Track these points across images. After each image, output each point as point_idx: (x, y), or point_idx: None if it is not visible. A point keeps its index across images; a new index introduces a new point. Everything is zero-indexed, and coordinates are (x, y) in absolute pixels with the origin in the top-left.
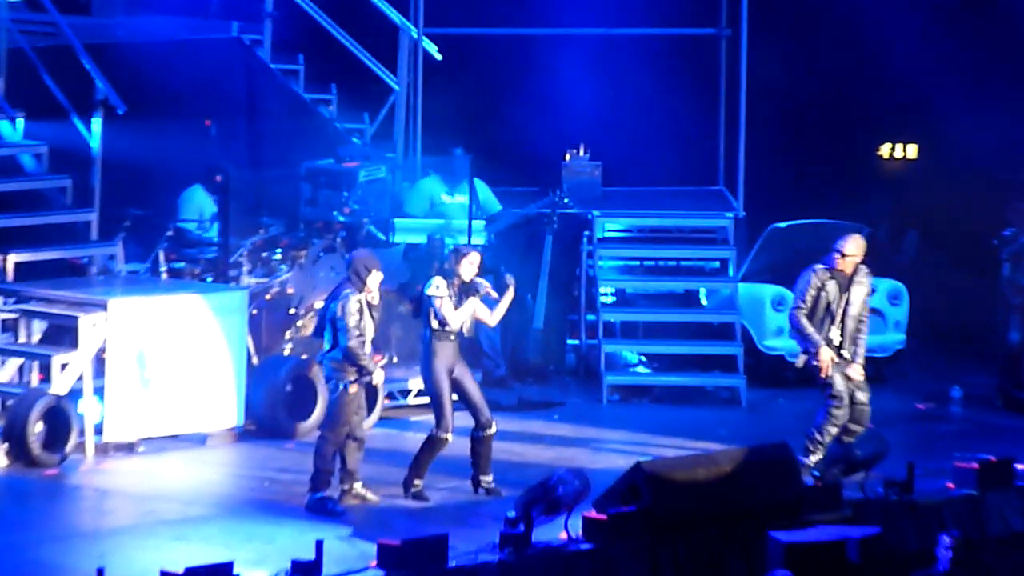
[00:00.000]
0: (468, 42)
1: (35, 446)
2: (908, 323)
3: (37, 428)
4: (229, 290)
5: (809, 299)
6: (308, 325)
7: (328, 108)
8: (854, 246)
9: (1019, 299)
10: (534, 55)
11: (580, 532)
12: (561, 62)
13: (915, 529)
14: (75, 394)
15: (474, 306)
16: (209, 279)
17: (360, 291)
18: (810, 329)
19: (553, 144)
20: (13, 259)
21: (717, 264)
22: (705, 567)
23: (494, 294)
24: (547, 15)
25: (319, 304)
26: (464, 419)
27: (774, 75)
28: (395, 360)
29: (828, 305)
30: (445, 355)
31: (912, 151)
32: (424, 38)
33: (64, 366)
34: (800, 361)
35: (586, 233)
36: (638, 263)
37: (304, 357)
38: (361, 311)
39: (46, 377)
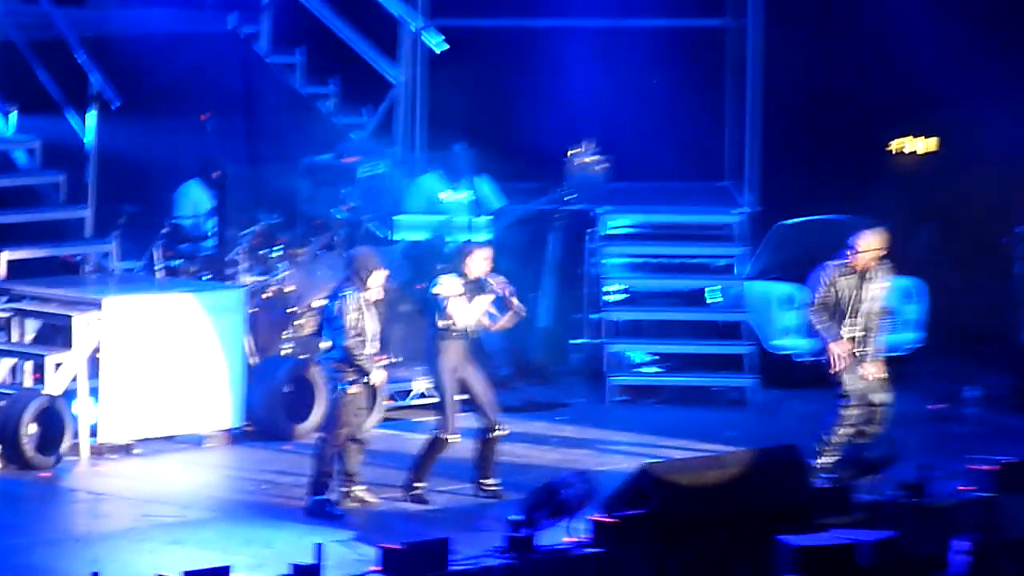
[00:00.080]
0: (470, 35)
1: (28, 448)
2: (924, 321)
3: (30, 429)
4: (226, 288)
5: (822, 297)
6: (307, 324)
7: (327, 102)
8: (867, 242)
9: None
10: (538, 48)
11: (585, 536)
12: (566, 55)
13: (928, 533)
14: (69, 395)
15: (484, 305)
16: (206, 277)
17: (361, 290)
18: (824, 324)
19: (558, 139)
20: (6, 257)
21: (724, 262)
22: (713, 571)
23: (506, 291)
24: (551, 7)
25: (318, 303)
26: (468, 420)
27: (785, 68)
28: (396, 360)
29: (841, 302)
30: (451, 355)
31: (927, 145)
32: (425, 31)
33: (58, 366)
34: (815, 352)
35: (591, 230)
36: (644, 261)
37: (303, 357)
38: (360, 310)
39: (40, 377)
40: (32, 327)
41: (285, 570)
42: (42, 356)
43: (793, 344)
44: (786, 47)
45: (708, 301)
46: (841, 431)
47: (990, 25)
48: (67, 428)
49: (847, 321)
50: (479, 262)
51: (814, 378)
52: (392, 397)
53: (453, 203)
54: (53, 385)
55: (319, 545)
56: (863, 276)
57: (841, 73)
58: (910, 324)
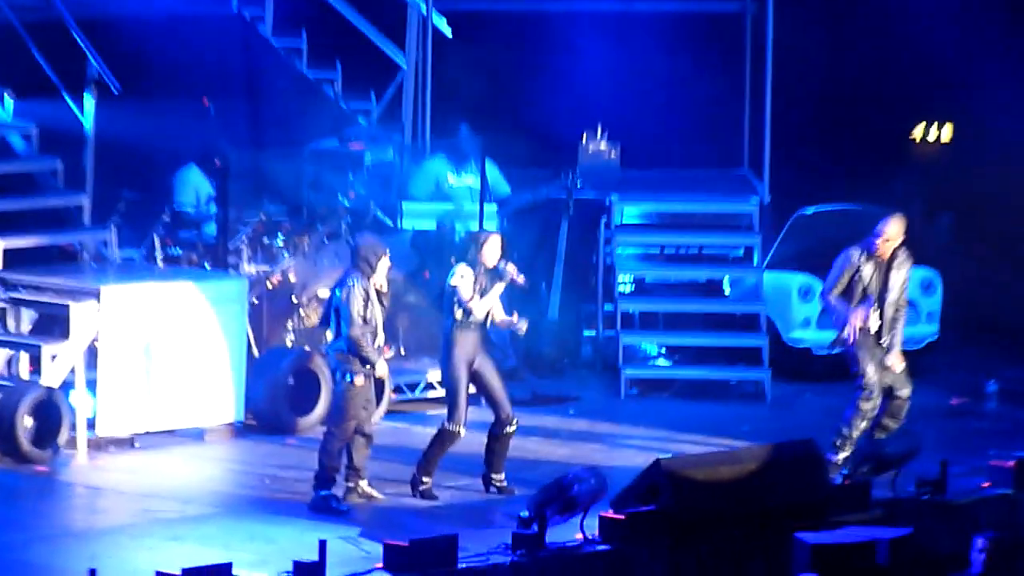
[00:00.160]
0: (480, 18)
1: (25, 441)
2: (941, 313)
3: (27, 422)
4: (228, 278)
5: (843, 283)
6: (311, 315)
7: (332, 87)
8: (894, 228)
9: None
10: (549, 31)
11: (596, 533)
12: (578, 39)
13: (948, 530)
14: (67, 387)
15: (499, 292)
16: (207, 266)
17: (368, 278)
18: (842, 303)
19: (569, 125)
20: (1, 245)
21: (741, 252)
22: (727, 570)
23: (520, 280)
24: None
25: (323, 292)
26: (476, 414)
27: (803, 53)
28: (403, 352)
29: (864, 290)
30: (466, 346)
31: (947, 132)
32: (434, 13)
33: (55, 357)
34: (835, 342)
35: (604, 219)
36: (658, 250)
37: (307, 348)
38: (367, 300)
39: (36, 369)
40: (28, 317)
41: (288, 567)
42: (39, 347)
43: (812, 336)
44: (804, 32)
45: (727, 292)
46: (860, 424)
47: (1010, 10)
48: (64, 421)
49: (872, 312)
50: (494, 249)
51: (833, 371)
52: (399, 389)
53: (460, 188)
54: (50, 377)
55: (323, 541)
56: (888, 264)
57: (860, 60)
58: (927, 316)
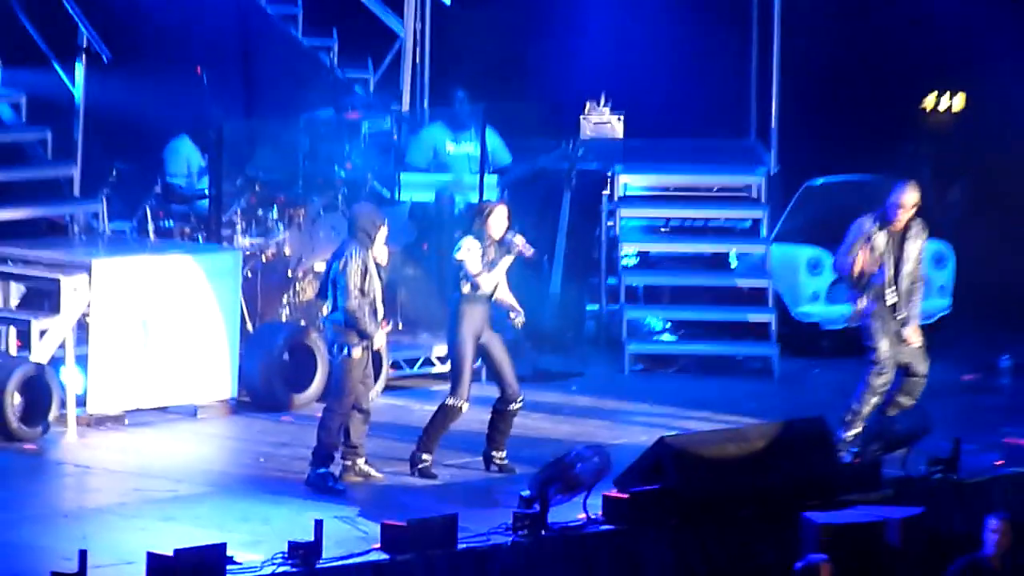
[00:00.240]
0: None
1: (13, 419)
2: (954, 287)
3: (15, 399)
4: (222, 251)
5: (854, 253)
6: (307, 288)
7: (328, 55)
8: (910, 196)
9: None
10: None
11: (599, 512)
12: (580, 4)
13: (961, 510)
14: (56, 363)
15: (507, 265)
16: (200, 239)
17: (367, 249)
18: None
19: (571, 93)
20: None
21: (748, 224)
22: (734, 550)
23: (528, 251)
24: None
25: (319, 266)
26: (476, 390)
27: (813, 19)
28: (400, 327)
29: (878, 260)
30: (474, 319)
31: (959, 101)
32: None
33: (44, 332)
34: (854, 315)
35: (607, 190)
36: (663, 222)
37: (302, 323)
38: (366, 271)
39: (25, 345)
40: (17, 291)
41: (283, 548)
42: (28, 322)
43: (821, 311)
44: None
45: (733, 265)
46: (872, 399)
47: None
48: (54, 398)
49: (887, 284)
50: (500, 220)
51: (842, 347)
52: (397, 365)
53: (458, 155)
54: (39, 352)
55: (319, 521)
56: (903, 235)
57: (870, 27)
58: (939, 290)
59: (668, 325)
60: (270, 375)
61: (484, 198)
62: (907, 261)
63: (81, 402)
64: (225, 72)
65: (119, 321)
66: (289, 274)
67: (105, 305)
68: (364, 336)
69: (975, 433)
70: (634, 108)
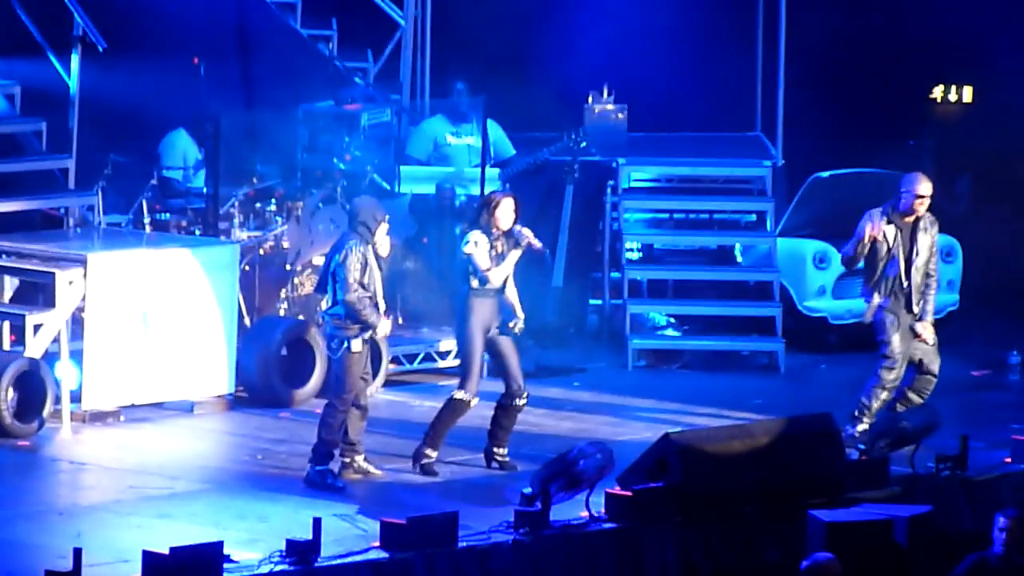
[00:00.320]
0: None
1: (7, 415)
2: (961, 282)
3: (9, 395)
4: (219, 244)
5: (860, 245)
6: (305, 283)
7: (328, 45)
8: (924, 186)
9: None
10: None
11: (602, 510)
12: None
13: (969, 508)
14: (51, 357)
15: (516, 258)
16: (197, 232)
17: (367, 243)
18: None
19: (575, 85)
20: None
21: (754, 217)
22: (739, 548)
23: (537, 244)
24: None
25: (317, 259)
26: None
27: (819, 11)
28: (400, 321)
29: (888, 252)
30: (483, 313)
31: (967, 94)
32: None
33: (38, 327)
34: (870, 310)
35: (610, 183)
36: (667, 216)
37: (301, 318)
38: (366, 265)
39: (19, 339)
40: (11, 285)
41: (281, 546)
42: (22, 316)
43: (828, 305)
44: None
45: (738, 260)
46: (882, 394)
47: None
48: (48, 393)
49: (901, 278)
50: (508, 212)
51: (850, 342)
52: (396, 360)
53: (459, 147)
54: (33, 347)
55: (317, 519)
56: (915, 227)
57: (877, 19)
58: (947, 284)
59: (672, 320)
60: (268, 370)
61: (486, 191)
62: (920, 253)
63: (76, 398)
64: (223, 63)
65: (115, 315)
66: (287, 268)
67: (100, 299)
68: (367, 327)
69: (983, 430)
70: (638, 101)
